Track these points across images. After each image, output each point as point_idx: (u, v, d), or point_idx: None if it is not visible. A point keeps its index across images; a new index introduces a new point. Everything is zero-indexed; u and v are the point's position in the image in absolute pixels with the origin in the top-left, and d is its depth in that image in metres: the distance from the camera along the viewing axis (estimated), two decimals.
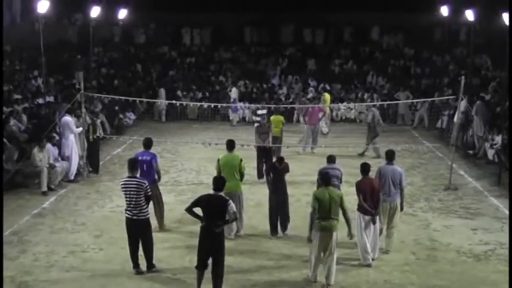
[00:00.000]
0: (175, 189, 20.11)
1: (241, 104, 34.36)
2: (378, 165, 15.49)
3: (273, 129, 23.26)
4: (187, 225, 16.20)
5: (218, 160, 15.75)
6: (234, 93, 34.51)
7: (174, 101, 31.09)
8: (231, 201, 12.25)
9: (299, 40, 45.88)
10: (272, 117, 23.91)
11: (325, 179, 13.27)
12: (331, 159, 15.67)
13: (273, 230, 15.86)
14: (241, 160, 15.68)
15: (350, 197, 16.59)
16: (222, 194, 12.35)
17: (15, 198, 18.75)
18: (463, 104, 24.86)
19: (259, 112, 24.02)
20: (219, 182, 12.40)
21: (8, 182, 18.97)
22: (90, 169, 22.19)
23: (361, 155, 25.23)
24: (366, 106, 29.13)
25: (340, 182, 15.44)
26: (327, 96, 31.14)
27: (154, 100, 32.61)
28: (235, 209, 12.27)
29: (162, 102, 33.42)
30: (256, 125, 22.99)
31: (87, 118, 22.21)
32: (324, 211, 12.73)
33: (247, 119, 34.53)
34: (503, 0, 25.68)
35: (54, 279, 13.10)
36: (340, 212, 12.97)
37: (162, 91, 35.04)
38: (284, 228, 15.90)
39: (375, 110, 26.16)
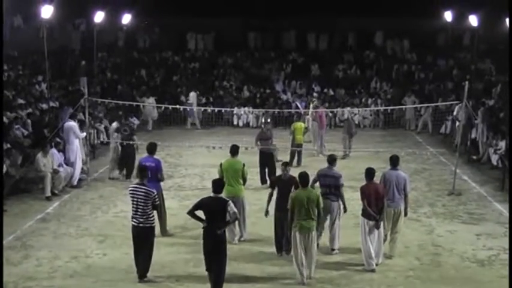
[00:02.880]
0: (179, 194, 20.10)
1: (243, 109, 34.34)
2: (383, 170, 15.46)
3: (296, 136, 24.00)
4: (191, 231, 16.18)
5: (220, 165, 15.78)
6: (192, 97, 34.76)
7: (177, 106, 31.06)
8: (230, 201, 12.50)
9: (303, 45, 45.89)
10: (295, 125, 24.34)
11: (304, 181, 13.39)
12: (330, 159, 15.35)
13: (279, 249, 15.02)
14: (244, 165, 15.65)
15: (354, 201, 16.61)
16: (221, 195, 12.59)
17: (18, 203, 18.76)
18: (460, 109, 25.22)
19: (268, 120, 24.04)
20: (218, 184, 12.66)
21: (12, 187, 19.00)
22: (124, 174, 22.27)
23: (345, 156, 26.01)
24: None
25: (338, 193, 14.90)
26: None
27: (156, 105, 32.58)
28: (235, 209, 12.44)
29: (154, 111, 32.98)
30: (260, 131, 22.68)
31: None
32: (302, 212, 13.01)
33: (251, 124, 34.55)
34: (506, 5, 25.71)
35: (58, 284, 13.09)
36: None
37: (152, 100, 33.46)
38: (289, 250, 14.57)
39: (350, 110, 27.46)
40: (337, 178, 14.91)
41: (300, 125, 24.36)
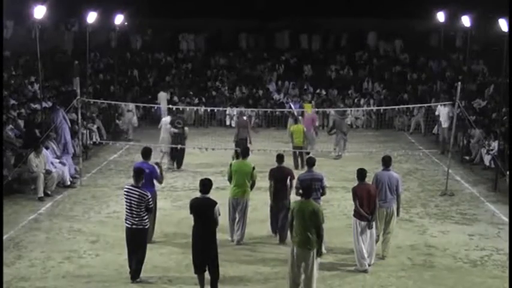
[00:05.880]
0: (172, 195, 20.10)
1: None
2: (375, 171, 15.49)
3: (294, 139, 24.07)
4: (184, 231, 16.17)
5: (230, 165, 15.81)
6: (160, 97, 35.14)
7: (170, 106, 30.97)
8: (218, 206, 12.33)
9: (295, 46, 45.90)
10: (293, 127, 24.54)
11: (307, 191, 12.50)
12: (310, 161, 15.34)
13: (275, 232, 16.10)
14: (253, 168, 15.66)
15: (346, 202, 16.62)
16: (209, 196, 12.44)
17: (11, 203, 18.71)
18: (446, 109, 26.75)
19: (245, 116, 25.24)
20: (205, 184, 12.49)
21: (5, 187, 18.93)
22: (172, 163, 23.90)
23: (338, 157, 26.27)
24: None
25: (322, 193, 15.03)
26: (308, 106, 31.05)
27: (150, 105, 32.50)
28: (218, 215, 12.31)
29: (133, 118, 31.25)
30: (236, 120, 25.05)
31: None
32: (302, 226, 12.08)
33: None
34: (499, 6, 25.76)
35: (50, 285, 13.06)
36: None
37: (132, 106, 31.43)
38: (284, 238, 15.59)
39: (332, 115, 28.14)
40: (322, 180, 14.96)
41: (297, 127, 24.25)
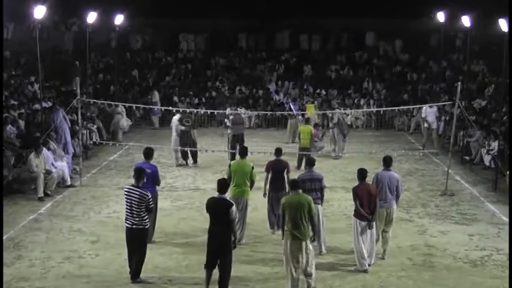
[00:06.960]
0: (172, 195, 20.09)
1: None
2: (375, 171, 15.49)
3: (301, 140, 24.07)
4: (184, 231, 16.21)
5: (229, 165, 15.87)
6: (155, 96, 35.47)
7: (170, 107, 31.02)
8: (234, 206, 12.39)
9: (295, 46, 45.85)
10: (301, 128, 24.60)
11: (292, 184, 12.94)
12: (310, 161, 15.55)
13: (272, 225, 16.31)
14: (252, 168, 15.70)
15: (346, 202, 16.58)
16: (225, 196, 12.53)
17: (11, 203, 18.70)
18: (433, 110, 27.75)
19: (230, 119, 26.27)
20: (222, 184, 12.55)
21: (4, 187, 18.92)
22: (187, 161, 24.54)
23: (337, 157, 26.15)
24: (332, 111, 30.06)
25: (322, 195, 15.03)
26: (310, 106, 31.03)
27: (150, 106, 32.53)
28: (234, 216, 12.34)
29: (122, 120, 30.65)
30: (231, 117, 25.64)
31: None
32: (293, 218, 12.40)
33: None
34: (499, 7, 25.75)
35: (50, 285, 13.05)
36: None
37: (120, 108, 30.48)
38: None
39: (338, 112, 27.71)
40: (321, 180, 14.97)
41: (306, 128, 24.21)
